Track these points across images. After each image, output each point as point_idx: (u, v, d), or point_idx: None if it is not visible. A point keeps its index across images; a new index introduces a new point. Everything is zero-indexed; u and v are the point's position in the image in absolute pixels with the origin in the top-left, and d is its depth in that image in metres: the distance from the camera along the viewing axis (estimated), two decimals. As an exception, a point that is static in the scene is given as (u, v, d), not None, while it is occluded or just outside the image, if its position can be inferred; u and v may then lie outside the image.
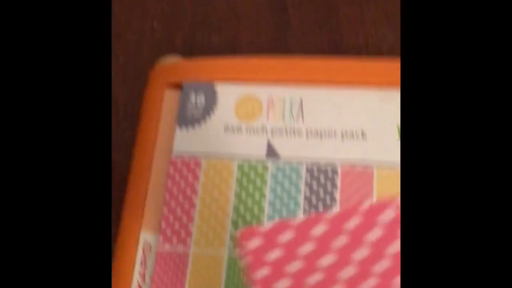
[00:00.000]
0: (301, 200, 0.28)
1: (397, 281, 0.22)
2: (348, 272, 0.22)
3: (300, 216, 0.28)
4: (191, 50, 0.36)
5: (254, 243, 0.23)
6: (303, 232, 0.23)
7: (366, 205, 0.23)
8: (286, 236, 0.23)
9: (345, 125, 0.30)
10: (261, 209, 0.28)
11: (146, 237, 0.29)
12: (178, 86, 0.32)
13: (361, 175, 0.28)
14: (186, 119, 0.30)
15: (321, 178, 0.29)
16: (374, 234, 0.23)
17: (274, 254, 0.22)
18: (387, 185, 0.28)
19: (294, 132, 0.30)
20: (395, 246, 0.22)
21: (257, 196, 0.29)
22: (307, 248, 0.22)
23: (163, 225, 0.28)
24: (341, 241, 0.23)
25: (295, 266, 0.22)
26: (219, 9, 0.37)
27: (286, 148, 0.29)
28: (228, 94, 0.31)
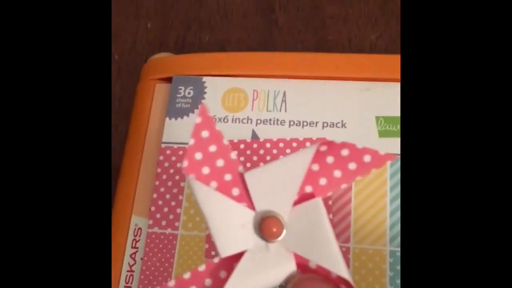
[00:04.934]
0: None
1: None
2: None
3: None
4: (183, 49, 0.38)
5: None
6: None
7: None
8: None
9: (326, 117, 0.31)
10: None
11: (137, 220, 0.30)
12: (169, 80, 0.33)
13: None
14: (175, 110, 0.32)
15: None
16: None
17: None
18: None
19: (277, 122, 0.31)
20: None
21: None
22: None
23: (153, 208, 0.30)
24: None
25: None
26: (210, 9, 0.39)
27: (269, 135, 0.31)
28: (216, 87, 0.33)
